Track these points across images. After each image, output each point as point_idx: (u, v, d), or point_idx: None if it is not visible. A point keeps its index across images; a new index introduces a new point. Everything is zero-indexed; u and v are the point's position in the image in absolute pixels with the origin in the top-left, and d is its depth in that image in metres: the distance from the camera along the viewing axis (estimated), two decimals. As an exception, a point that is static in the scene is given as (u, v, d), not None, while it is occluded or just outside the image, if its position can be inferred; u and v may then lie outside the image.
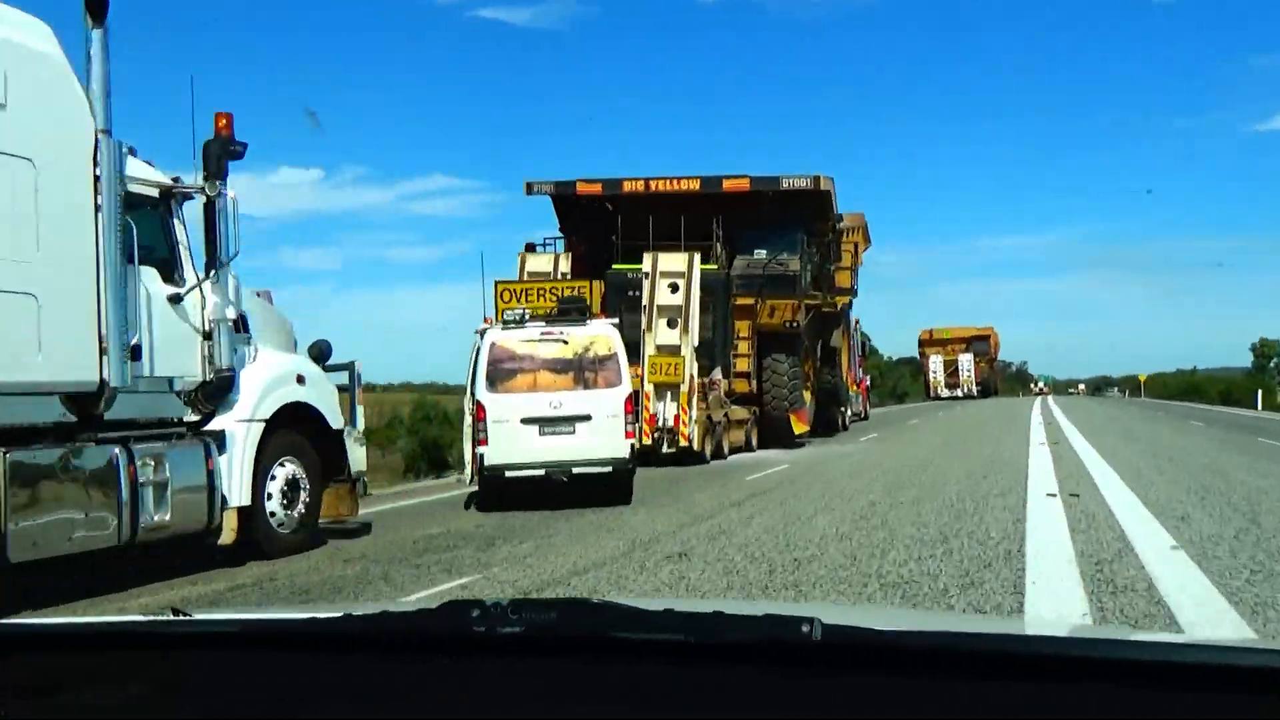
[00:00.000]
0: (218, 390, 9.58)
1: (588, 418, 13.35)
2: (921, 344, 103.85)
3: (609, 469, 13.36)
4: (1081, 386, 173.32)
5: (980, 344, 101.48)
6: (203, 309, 9.42)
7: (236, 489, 9.47)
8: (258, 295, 11.09)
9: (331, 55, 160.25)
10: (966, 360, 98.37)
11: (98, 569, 8.28)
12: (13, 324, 7.61)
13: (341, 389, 11.36)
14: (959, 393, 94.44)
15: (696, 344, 20.90)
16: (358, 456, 11.15)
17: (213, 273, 9.44)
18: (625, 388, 13.69)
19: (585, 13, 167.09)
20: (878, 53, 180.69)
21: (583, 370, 13.60)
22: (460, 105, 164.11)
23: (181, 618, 1.72)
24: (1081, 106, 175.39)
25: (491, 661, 1.60)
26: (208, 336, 9.47)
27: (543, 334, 13.72)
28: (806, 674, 1.50)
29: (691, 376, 20.24)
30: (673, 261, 20.88)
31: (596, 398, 13.46)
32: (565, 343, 13.67)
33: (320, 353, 11.42)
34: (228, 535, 9.41)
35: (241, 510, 9.48)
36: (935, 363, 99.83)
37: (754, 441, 23.90)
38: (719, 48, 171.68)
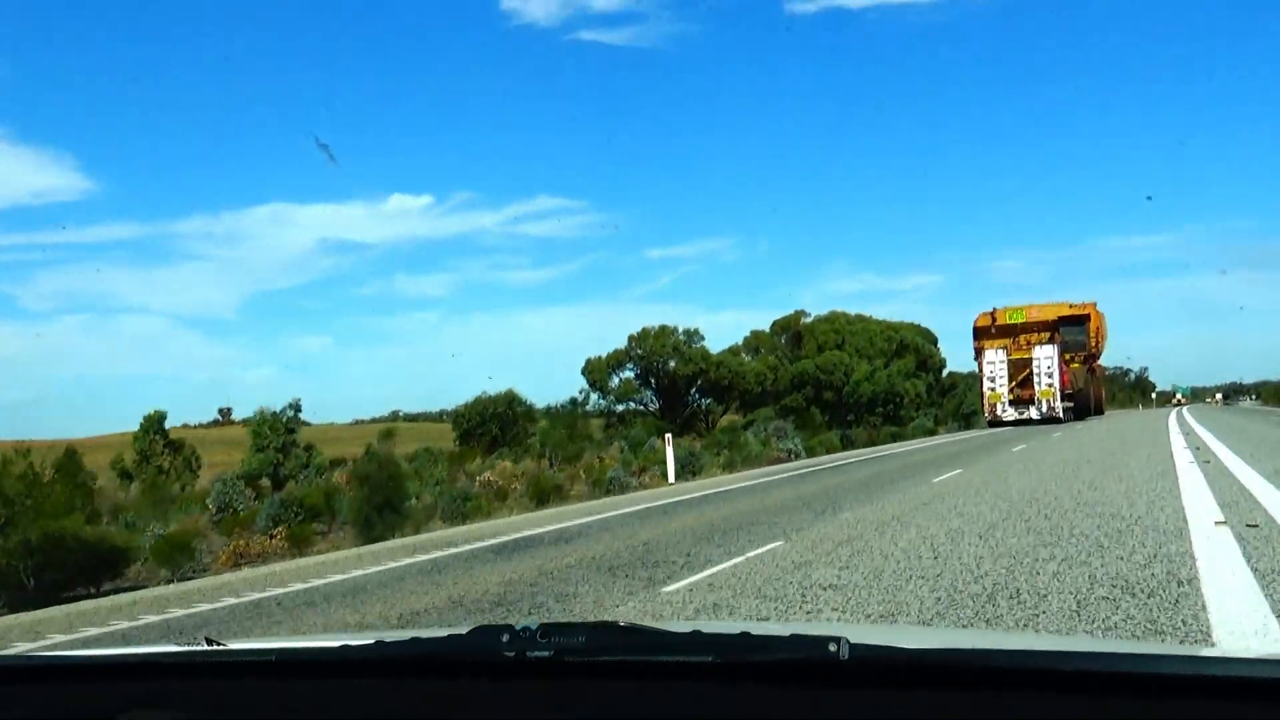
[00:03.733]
0: None
1: None
2: (978, 334, 67.34)
3: None
4: (1219, 396, 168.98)
5: (1072, 330, 66.24)
6: None
7: None
8: None
9: (438, 83, 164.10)
10: (1047, 356, 62.56)
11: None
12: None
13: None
14: (1033, 413, 61.65)
15: None
16: None
17: None
18: None
19: (683, 30, 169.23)
20: (977, 54, 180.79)
21: None
22: (563, 127, 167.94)
23: (215, 647, 1.78)
24: (1208, 98, 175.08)
25: (521, 685, 1.64)
26: None
27: None
28: (834, 693, 1.53)
29: None
30: None
31: None
32: None
33: None
34: None
35: None
36: (995, 363, 63.97)
37: None
38: (815, 58, 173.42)
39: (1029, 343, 64.13)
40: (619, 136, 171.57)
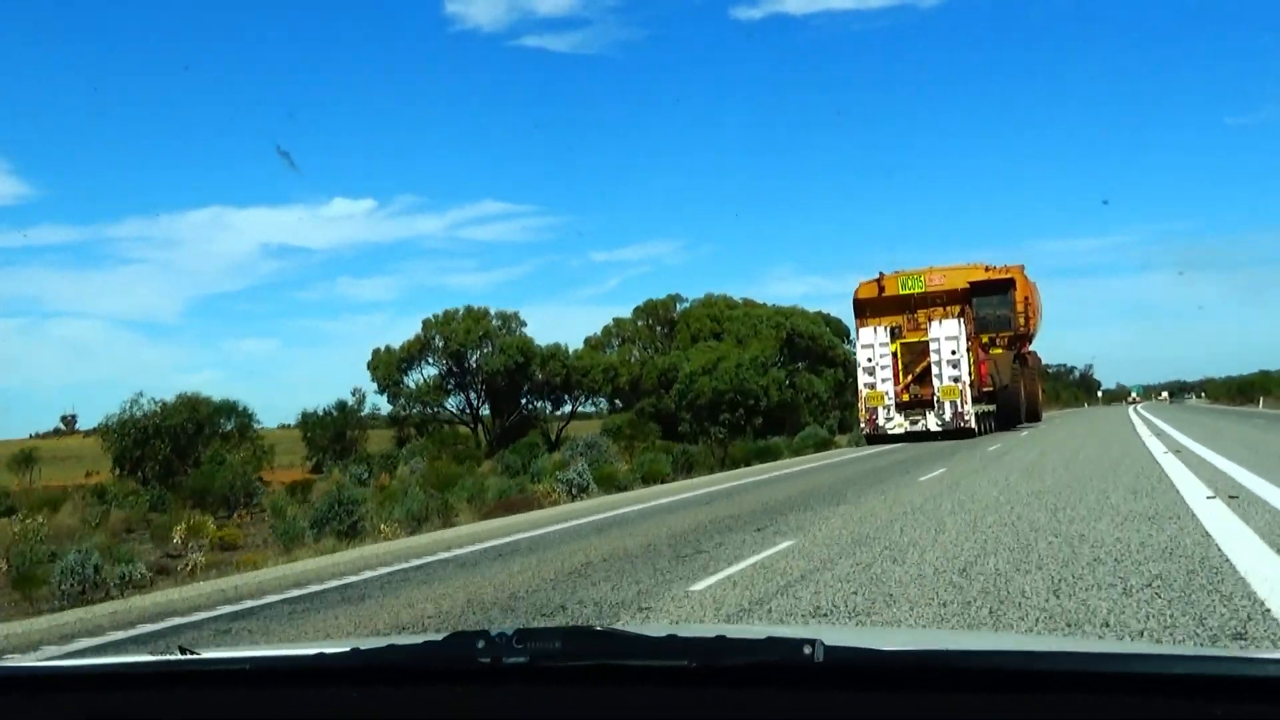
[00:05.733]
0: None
1: None
2: (859, 310, 50.87)
3: None
4: (1165, 394, 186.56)
5: (991, 301, 49.68)
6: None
7: None
8: None
9: (380, 87, 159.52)
10: (949, 337, 44.86)
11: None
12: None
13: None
14: (931, 421, 44.46)
15: None
16: None
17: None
18: None
19: (629, 36, 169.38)
20: (920, 62, 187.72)
21: None
22: (507, 132, 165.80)
23: (189, 656, 1.75)
24: (1131, 108, 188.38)
25: (497, 691, 1.68)
26: None
27: None
28: (809, 695, 1.61)
29: None
30: None
31: None
32: None
33: None
34: None
35: None
36: (876, 346, 46.29)
37: None
38: (763, 66, 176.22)
39: (924, 319, 46.73)
40: (564, 142, 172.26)
